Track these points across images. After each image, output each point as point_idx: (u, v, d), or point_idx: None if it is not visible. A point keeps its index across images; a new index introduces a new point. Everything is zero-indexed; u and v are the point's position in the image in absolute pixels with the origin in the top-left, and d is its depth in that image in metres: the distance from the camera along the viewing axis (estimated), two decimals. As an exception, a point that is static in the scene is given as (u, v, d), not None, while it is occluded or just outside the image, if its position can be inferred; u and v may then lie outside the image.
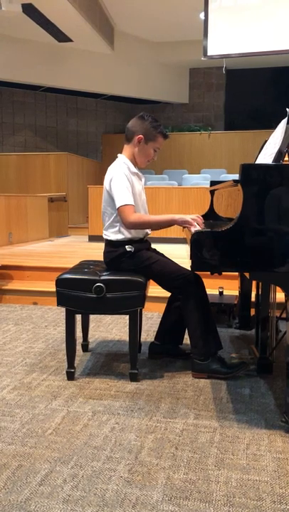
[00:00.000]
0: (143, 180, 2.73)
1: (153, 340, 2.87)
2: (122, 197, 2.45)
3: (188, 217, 2.42)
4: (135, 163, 2.63)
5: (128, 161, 2.60)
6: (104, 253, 2.66)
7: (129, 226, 2.49)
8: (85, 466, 1.71)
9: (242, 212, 1.90)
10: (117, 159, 2.62)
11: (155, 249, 2.76)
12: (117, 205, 2.47)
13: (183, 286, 2.49)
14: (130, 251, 2.53)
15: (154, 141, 2.59)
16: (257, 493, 1.56)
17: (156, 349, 2.83)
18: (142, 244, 2.63)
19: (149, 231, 2.69)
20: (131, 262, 2.55)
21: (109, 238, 2.60)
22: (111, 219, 2.57)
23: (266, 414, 2.12)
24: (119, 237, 2.56)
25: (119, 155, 2.65)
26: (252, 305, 3.21)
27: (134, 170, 2.60)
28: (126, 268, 2.54)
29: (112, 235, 2.58)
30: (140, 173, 2.67)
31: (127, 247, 2.53)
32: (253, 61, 9.23)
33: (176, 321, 2.74)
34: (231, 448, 1.84)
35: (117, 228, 2.56)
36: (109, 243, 2.62)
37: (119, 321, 3.59)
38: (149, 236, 2.75)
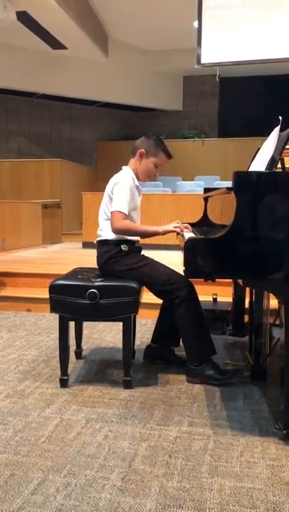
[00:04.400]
0: (141, 195, 2.79)
1: (149, 343, 2.87)
2: (120, 203, 2.54)
3: (170, 227, 2.60)
4: (137, 177, 2.71)
5: (133, 174, 2.69)
6: (99, 254, 2.69)
7: (116, 231, 2.58)
8: (78, 474, 1.70)
9: (235, 219, 1.91)
10: (122, 171, 2.70)
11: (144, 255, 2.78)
12: (113, 209, 2.55)
13: (174, 290, 2.50)
14: (125, 250, 2.60)
15: (156, 156, 2.67)
16: (251, 501, 1.56)
17: (153, 352, 2.84)
18: (135, 247, 2.69)
19: (138, 237, 2.74)
20: (125, 262, 2.59)
21: (105, 238, 2.65)
22: (108, 220, 2.63)
23: (260, 421, 2.12)
24: (115, 236, 2.61)
25: (124, 167, 2.73)
26: (246, 312, 3.22)
27: (137, 183, 2.70)
28: (120, 268, 2.57)
29: (109, 234, 2.63)
30: (140, 188, 2.75)
31: (122, 246, 2.60)
32: (247, 69, 9.29)
33: (172, 323, 2.74)
34: (225, 455, 1.84)
35: None
36: (104, 243, 2.66)
37: (113, 327, 3.58)
38: (144, 243, 2.78)
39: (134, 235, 2.68)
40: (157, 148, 2.67)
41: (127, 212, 2.55)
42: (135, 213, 2.71)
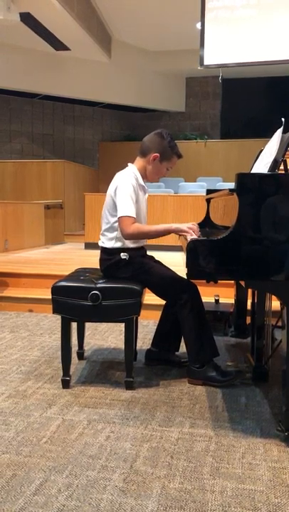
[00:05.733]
0: (147, 194, 2.74)
1: (149, 347, 2.87)
2: (126, 207, 2.46)
3: (183, 226, 2.40)
4: (144, 177, 2.64)
5: (138, 173, 2.60)
6: (100, 260, 2.67)
7: (127, 237, 2.50)
8: (80, 475, 1.70)
9: (238, 220, 1.91)
10: (127, 168, 2.63)
11: (152, 257, 2.77)
12: (119, 215, 2.47)
13: (178, 294, 2.50)
14: (125, 258, 2.54)
15: (169, 160, 2.61)
16: (252, 503, 1.56)
17: (153, 356, 2.83)
18: (138, 251, 2.64)
19: (144, 240, 2.70)
20: (126, 270, 2.55)
21: (104, 245, 2.61)
22: (108, 225, 2.58)
23: (262, 423, 2.12)
24: (114, 244, 2.57)
25: (130, 164, 2.65)
26: (248, 313, 3.21)
27: (142, 183, 2.61)
28: (122, 276, 2.55)
29: (108, 242, 2.59)
30: (146, 187, 2.68)
31: (122, 254, 2.54)
32: (249, 70, 9.30)
33: (172, 328, 2.75)
34: (227, 457, 1.84)
35: (113, 235, 2.57)
36: (104, 250, 2.63)
37: (115, 328, 3.59)
38: (146, 243, 2.76)
39: (147, 237, 2.61)
40: (172, 152, 2.58)
41: (134, 215, 2.47)
42: (141, 215, 2.63)
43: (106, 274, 2.62)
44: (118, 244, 2.56)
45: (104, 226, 2.62)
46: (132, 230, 2.45)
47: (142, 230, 2.51)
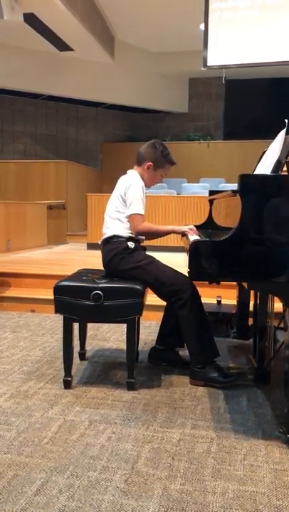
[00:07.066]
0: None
1: (154, 345, 2.88)
2: (137, 206, 2.63)
3: (184, 228, 2.70)
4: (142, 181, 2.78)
5: (140, 177, 2.75)
6: (105, 253, 2.70)
7: (137, 233, 2.67)
8: (81, 476, 1.70)
9: (240, 222, 1.91)
10: (131, 173, 2.77)
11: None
12: (131, 212, 2.62)
13: (178, 292, 2.51)
14: (131, 247, 2.62)
15: (163, 168, 2.80)
16: (254, 505, 1.55)
17: (157, 354, 2.85)
18: (140, 245, 2.73)
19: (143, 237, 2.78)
20: (131, 259, 2.60)
21: (112, 233, 2.67)
22: (117, 218, 2.67)
23: (263, 425, 2.11)
24: (123, 233, 2.65)
25: (131, 171, 2.79)
26: (250, 314, 3.21)
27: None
28: (125, 266, 2.59)
29: (117, 230, 2.67)
30: (145, 190, 2.81)
31: (129, 243, 2.63)
32: (252, 71, 9.28)
33: (173, 329, 2.76)
34: (228, 458, 1.83)
35: (123, 226, 2.66)
36: (110, 240, 2.67)
37: (117, 329, 3.58)
38: (148, 244, 2.81)
39: (153, 235, 2.78)
40: (164, 160, 2.76)
41: (144, 213, 2.64)
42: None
43: (109, 266, 2.66)
44: (126, 234, 2.65)
45: (110, 220, 2.70)
46: (142, 227, 2.65)
47: (151, 228, 2.71)
